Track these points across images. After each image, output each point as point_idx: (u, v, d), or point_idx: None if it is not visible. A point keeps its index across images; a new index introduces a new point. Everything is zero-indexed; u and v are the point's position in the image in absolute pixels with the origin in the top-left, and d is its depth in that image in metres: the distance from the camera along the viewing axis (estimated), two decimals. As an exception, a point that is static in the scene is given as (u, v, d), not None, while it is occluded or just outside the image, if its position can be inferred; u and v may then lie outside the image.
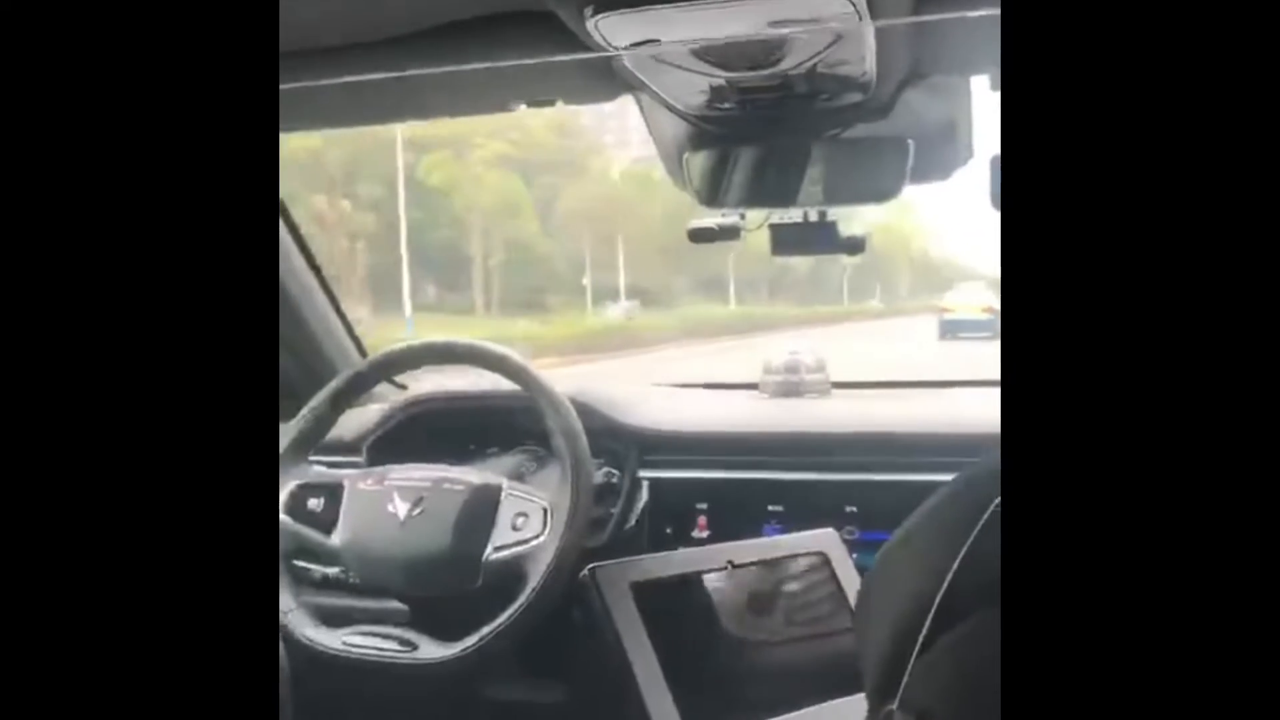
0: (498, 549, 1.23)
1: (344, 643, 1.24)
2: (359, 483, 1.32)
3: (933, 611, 0.40)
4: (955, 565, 0.40)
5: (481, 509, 1.25)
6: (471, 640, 1.18)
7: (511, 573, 1.21)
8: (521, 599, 1.18)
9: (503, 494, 1.26)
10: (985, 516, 0.40)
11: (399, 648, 1.23)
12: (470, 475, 1.29)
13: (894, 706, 0.41)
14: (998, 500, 0.40)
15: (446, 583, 1.24)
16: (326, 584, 1.38)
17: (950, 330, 15.21)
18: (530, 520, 1.23)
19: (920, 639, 0.40)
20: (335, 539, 1.28)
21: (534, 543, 1.21)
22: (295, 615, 1.24)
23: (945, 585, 0.40)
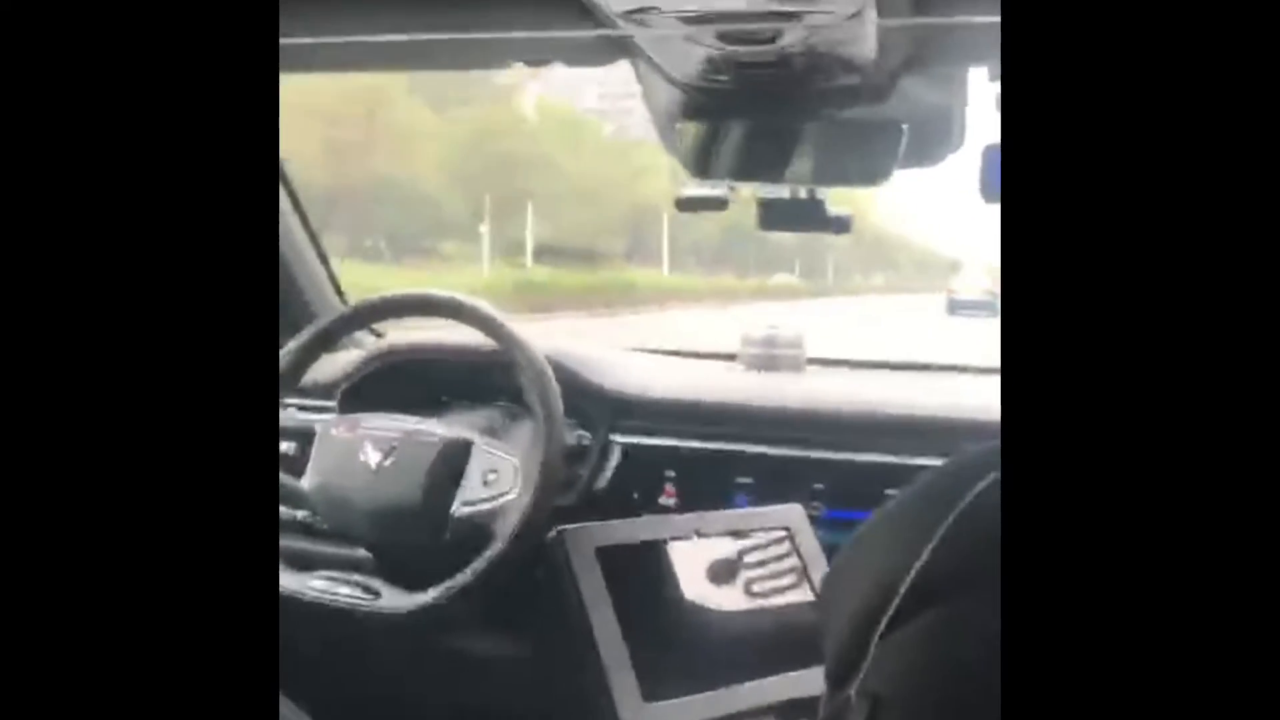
0: (467, 504, 1.24)
1: (308, 586, 1.25)
2: (331, 429, 1.32)
3: (896, 600, 0.41)
4: (924, 555, 0.40)
5: (452, 463, 1.26)
6: (435, 593, 1.19)
7: (479, 528, 1.22)
8: (487, 555, 1.19)
9: (474, 449, 1.27)
10: (960, 508, 0.41)
11: (362, 595, 1.24)
12: (442, 428, 1.30)
13: (851, 691, 0.42)
14: (974, 492, 0.41)
15: (414, 534, 1.25)
16: (293, 527, 1.39)
17: (957, 309, 15.37)
18: (500, 477, 1.24)
19: (882, 626, 0.41)
20: (305, 483, 1.29)
21: (503, 499, 1.22)
22: None
23: (911, 575, 0.40)
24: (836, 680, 0.43)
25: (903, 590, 0.41)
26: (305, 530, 1.35)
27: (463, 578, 1.19)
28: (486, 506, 1.23)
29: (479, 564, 1.18)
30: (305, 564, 1.30)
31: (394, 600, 1.22)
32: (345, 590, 1.24)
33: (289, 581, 1.25)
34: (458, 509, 1.23)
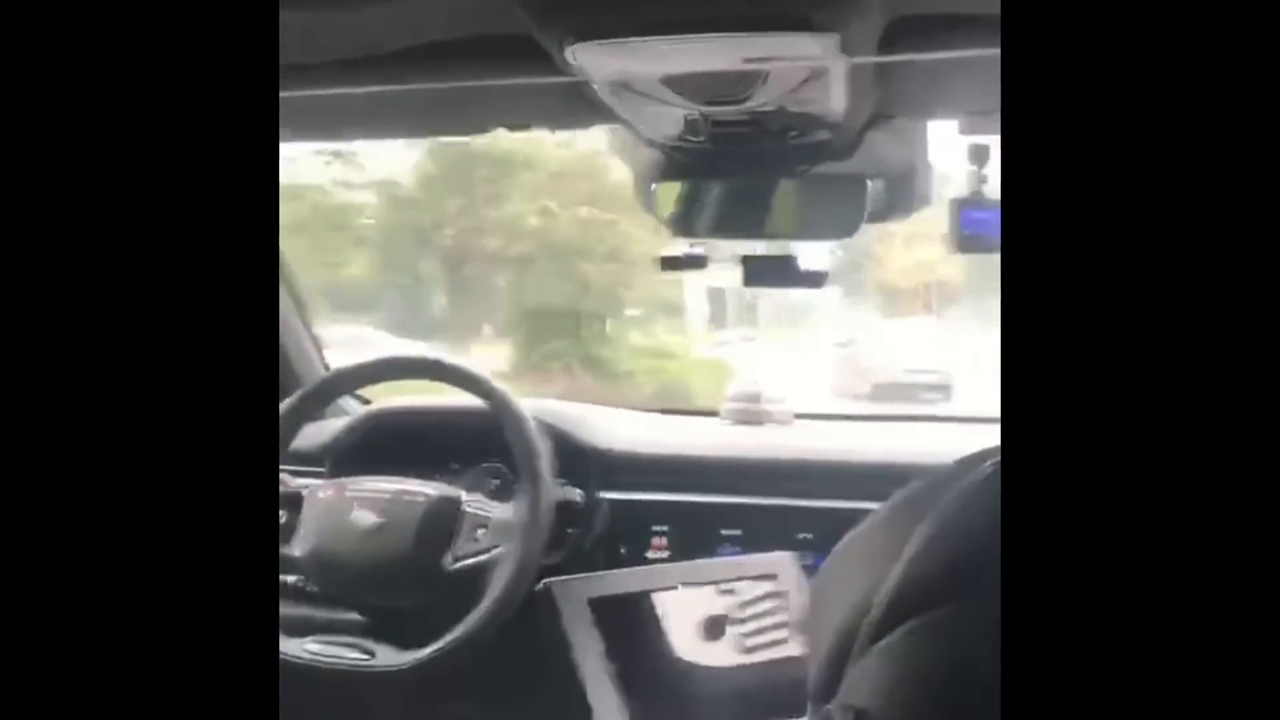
0: (458, 559, 1.24)
1: (303, 650, 1.24)
2: (320, 492, 1.32)
3: (873, 614, 0.42)
4: (900, 570, 0.42)
5: (442, 520, 1.26)
6: (429, 649, 1.19)
7: (471, 584, 1.22)
8: (480, 610, 1.19)
9: (463, 505, 1.27)
10: (931, 525, 0.42)
11: (358, 655, 1.23)
12: (430, 488, 1.30)
13: (831, 705, 0.42)
14: (942, 508, 0.42)
15: (407, 592, 1.25)
16: (284, 592, 1.38)
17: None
18: (490, 533, 1.25)
19: (860, 640, 0.42)
20: (295, 548, 1.29)
21: (493, 552, 1.23)
22: None
23: (886, 591, 0.42)
24: (819, 697, 0.44)
25: (877, 606, 0.42)
26: (296, 595, 1.35)
27: (455, 633, 1.19)
28: (477, 561, 1.24)
29: (472, 619, 1.19)
30: (297, 628, 1.29)
31: (389, 658, 1.22)
32: (341, 651, 1.24)
33: (284, 646, 1.24)
34: (449, 565, 1.24)
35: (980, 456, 0.45)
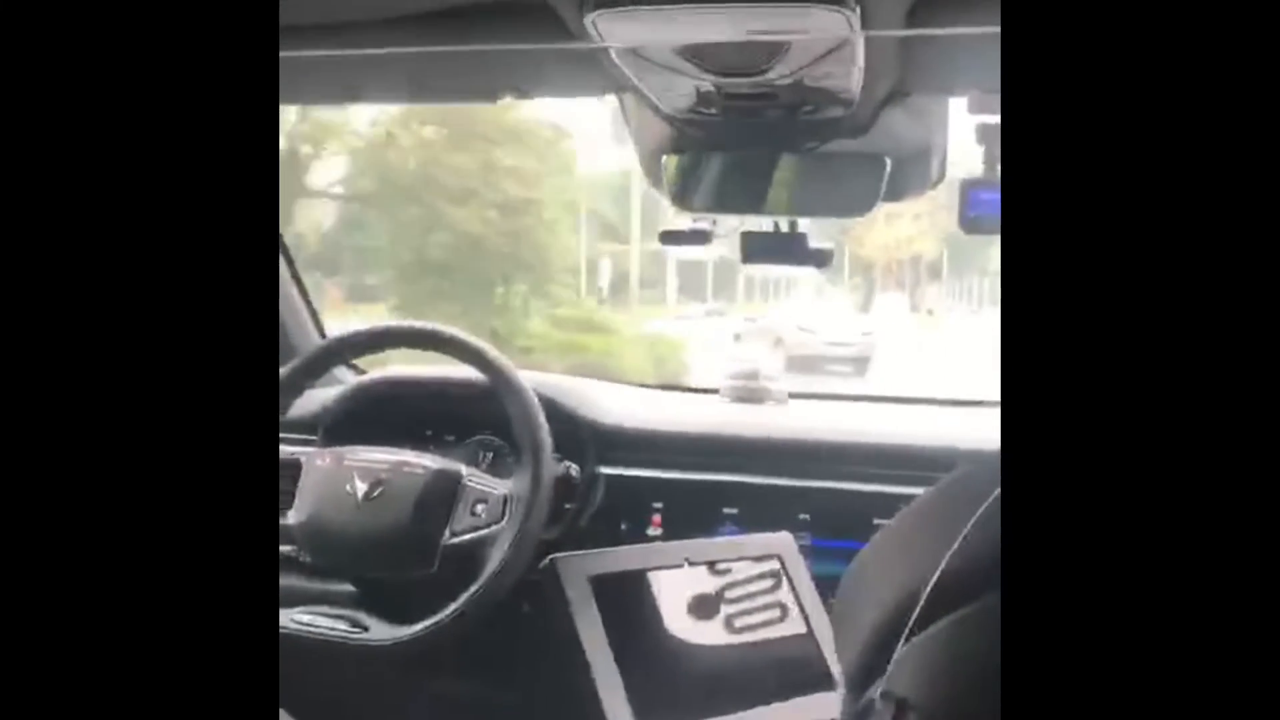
0: (455, 534, 1.23)
1: (294, 620, 1.23)
2: (317, 460, 1.31)
3: (920, 604, 0.41)
4: (945, 560, 0.41)
5: (441, 494, 1.25)
6: (425, 623, 1.18)
7: (469, 558, 1.21)
8: (477, 584, 1.18)
9: (462, 480, 1.26)
10: (977, 514, 0.41)
11: (350, 628, 1.22)
12: (431, 460, 1.29)
13: (874, 695, 0.42)
14: (990, 499, 0.41)
15: (403, 565, 1.24)
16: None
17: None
18: (489, 507, 1.24)
19: (905, 630, 0.41)
20: (290, 517, 1.28)
21: (492, 529, 1.22)
22: None
23: (934, 579, 0.41)
24: (857, 685, 0.44)
25: (925, 595, 0.41)
26: (288, 565, 1.34)
27: (451, 609, 1.18)
28: (476, 536, 1.22)
29: (469, 594, 1.18)
30: (288, 599, 1.28)
31: (383, 632, 1.21)
32: (334, 624, 1.23)
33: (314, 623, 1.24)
34: (447, 539, 1.23)
35: None
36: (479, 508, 1.24)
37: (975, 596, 0.40)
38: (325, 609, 1.26)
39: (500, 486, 1.25)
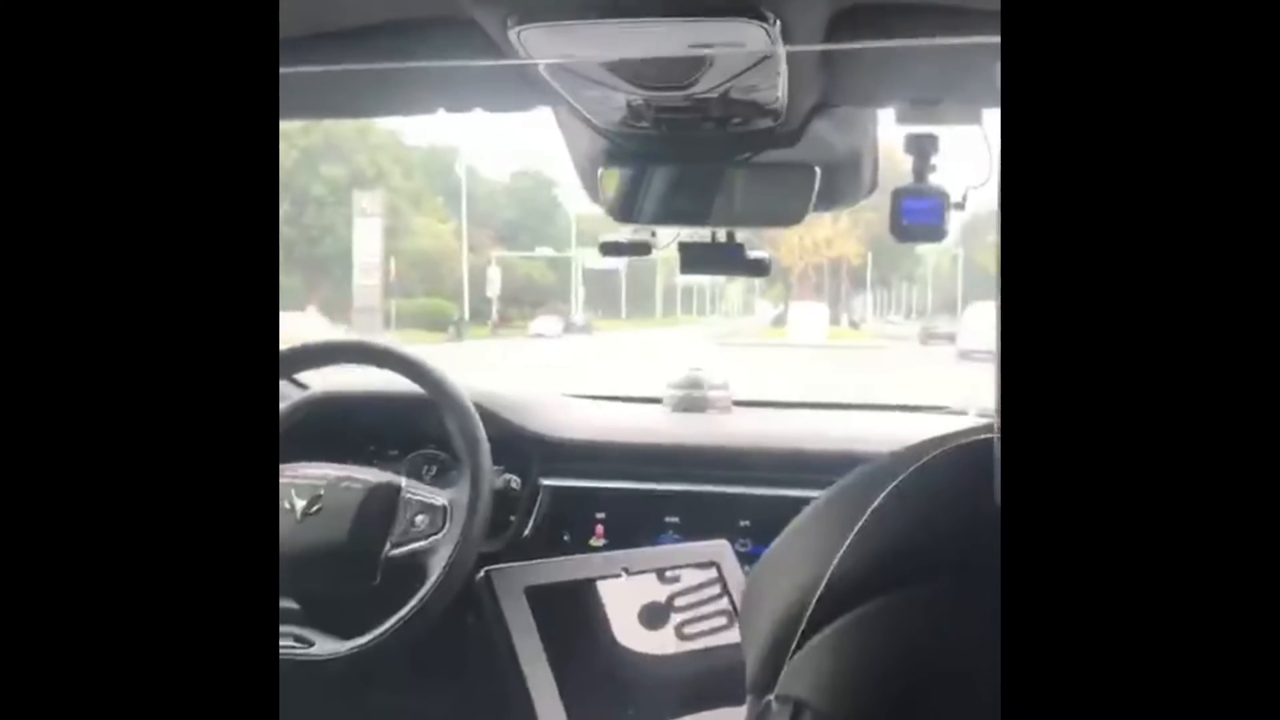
0: (396, 545, 1.23)
1: None
2: None
3: (811, 606, 0.42)
4: (835, 562, 0.42)
5: (380, 506, 1.25)
6: (367, 637, 1.18)
7: (409, 570, 1.21)
8: (418, 597, 1.18)
9: (402, 493, 1.26)
10: (865, 517, 0.42)
11: (293, 644, 1.22)
12: (369, 474, 1.29)
13: (771, 697, 0.42)
14: (877, 500, 0.42)
15: (344, 579, 1.24)
16: None
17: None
18: (430, 520, 1.24)
19: (798, 633, 0.42)
20: None
21: (432, 538, 1.22)
22: None
23: (825, 581, 0.42)
24: (757, 689, 0.44)
25: (814, 599, 0.42)
26: None
27: (393, 621, 1.18)
28: (416, 546, 1.23)
29: (411, 605, 1.18)
30: None
31: (327, 646, 1.20)
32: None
33: None
34: (388, 551, 1.23)
35: (920, 447, 0.45)
36: (419, 519, 1.24)
37: (867, 597, 0.41)
38: None
39: (440, 497, 1.25)
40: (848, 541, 0.42)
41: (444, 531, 1.22)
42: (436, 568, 1.19)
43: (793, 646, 0.42)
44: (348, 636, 1.21)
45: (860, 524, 0.42)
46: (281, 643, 1.22)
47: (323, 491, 1.26)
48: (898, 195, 1.05)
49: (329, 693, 1.38)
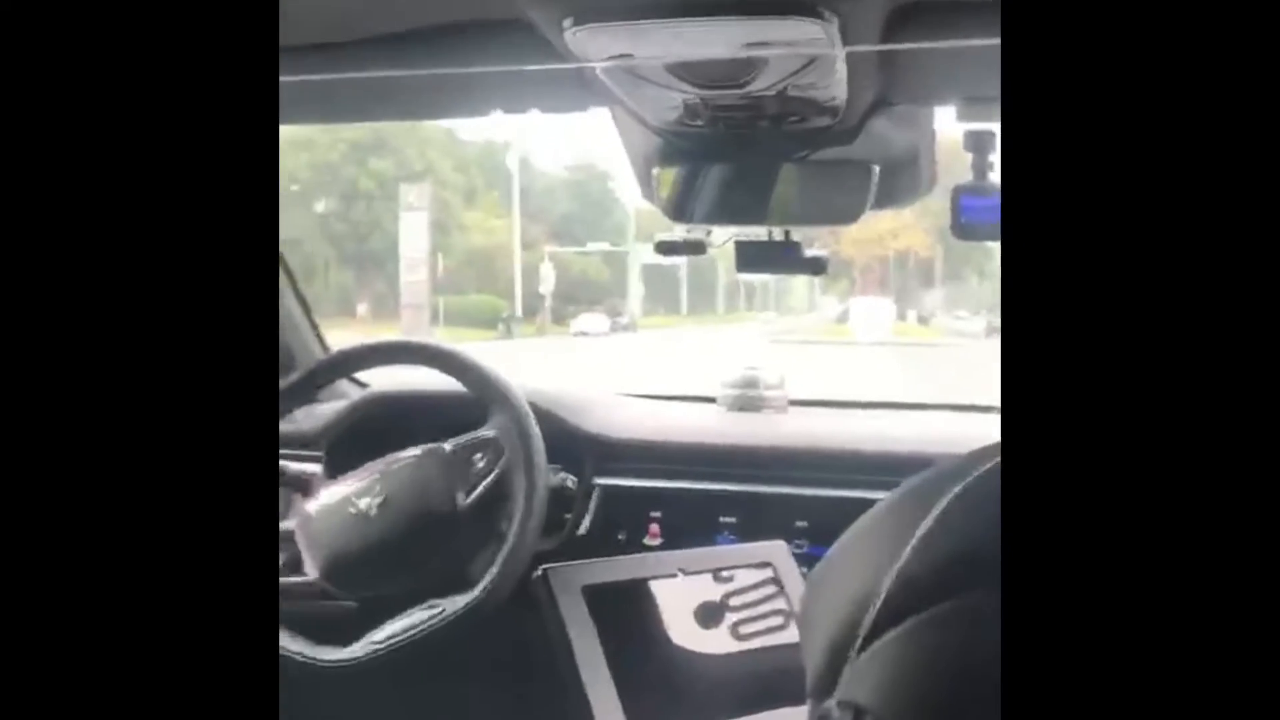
0: (469, 492, 1.28)
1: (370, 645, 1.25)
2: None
3: (874, 610, 0.41)
4: (898, 566, 0.41)
5: (435, 464, 1.30)
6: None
7: (493, 504, 1.26)
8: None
9: (449, 447, 1.31)
10: (929, 519, 0.42)
11: (339, 647, 1.24)
12: (413, 450, 1.33)
13: (832, 702, 0.42)
14: (942, 503, 0.42)
15: (432, 546, 1.28)
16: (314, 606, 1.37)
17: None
18: (486, 455, 1.29)
19: (860, 637, 0.42)
20: (308, 570, 1.29)
21: (499, 467, 1.27)
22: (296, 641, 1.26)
23: (886, 586, 0.41)
24: (817, 693, 0.44)
25: (877, 602, 0.41)
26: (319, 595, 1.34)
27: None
28: (485, 484, 1.27)
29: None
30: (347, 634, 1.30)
31: (365, 647, 1.23)
32: (303, 646, 1.26)
33: (287, 643, 1.26)
34: (461, 502, 1.26)
35: (989, 450, 0.44)
36: (475, 458, 1.30)
37: (931, 603, 0.40)
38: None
39: (487, 430, 1.31)
40: (910, 545, 0.41)
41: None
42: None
43: (854, 651, 0.42)
44: (397, 635, 1.23)
45: (925, 528, 0.41)
46: (368, 640, 1.25)
47: (386, 490, 1.28)
48: (957, 193, 1.04)
49: (384, 689, 1.40)
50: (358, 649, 1.23)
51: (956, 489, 0.42)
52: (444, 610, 1.21)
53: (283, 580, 1.28)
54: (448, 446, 1.31)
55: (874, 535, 0.46)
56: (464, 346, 1.35)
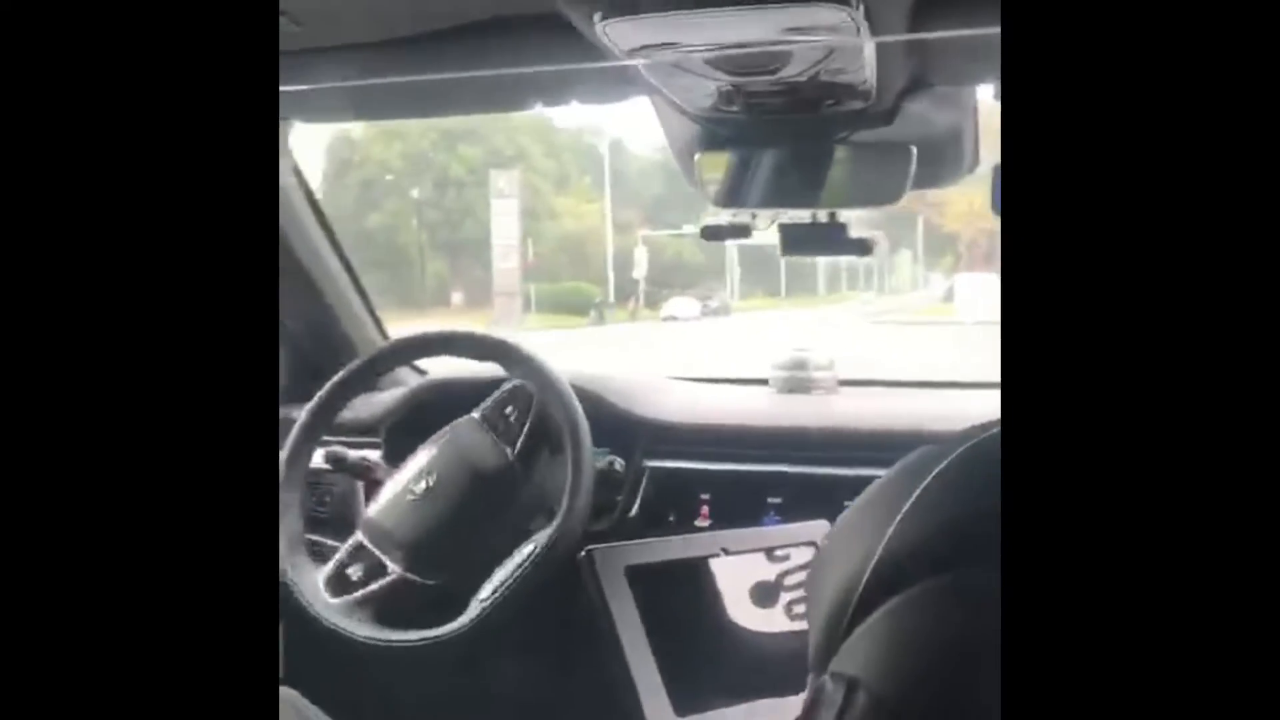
0: (513, 443, 1.34)
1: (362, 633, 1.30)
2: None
3: (861, 586, 0.43)
4: (883, 543, 0.43)
5: (471, 429, 1.37)
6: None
7: (543, 444, 1.33)
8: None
9: (480, 412, 1.37)
10: (912, 498, 0.43)
11: (392, 629, 1.29)
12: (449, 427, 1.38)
13: (825, 675, 0.43)
14: (925, 482, 0.43)
15: (500, 501, 1.33)
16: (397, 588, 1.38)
17: None
18: (515, 408, 1.36)
19: (851, 612, 0.43)
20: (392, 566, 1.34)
21: (527, 420, 1.33)
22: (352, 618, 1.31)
23: (874, 561, 0.43)
24: (816, 666, 0.45)
25: (870, 575, 0.43)
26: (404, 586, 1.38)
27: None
28: (524, 433, 1.34)
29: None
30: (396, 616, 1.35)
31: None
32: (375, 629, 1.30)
33: (340, 620, 1.30)
34: (511, 456, 1.32)
35: (975, 429, 0.45)
36: (508, 410, 1.36)
37: (925, 575, 0.42)
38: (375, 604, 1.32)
39: (512, 379, 1.37)
40: (903, 521, 0.43)
41: (534, 402, 1.32)
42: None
43: (844, 626, 0.43)
44: (449, 615, 1.26)
45: (907, 506, 0.43)
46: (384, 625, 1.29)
47: (440, 474, 1.33)
48: (998, 172, 1.03)
49: (428, 671, 1.44)
50: (471, 611, 1.27)
51: (936, 469, 0.43)
52: (535, 547, 1.26)
53: (373, 586, 1.33)
54: (476, 414, 1.36)
55: (864, 515, 0.47)
56: (499, 333, 1.40)
